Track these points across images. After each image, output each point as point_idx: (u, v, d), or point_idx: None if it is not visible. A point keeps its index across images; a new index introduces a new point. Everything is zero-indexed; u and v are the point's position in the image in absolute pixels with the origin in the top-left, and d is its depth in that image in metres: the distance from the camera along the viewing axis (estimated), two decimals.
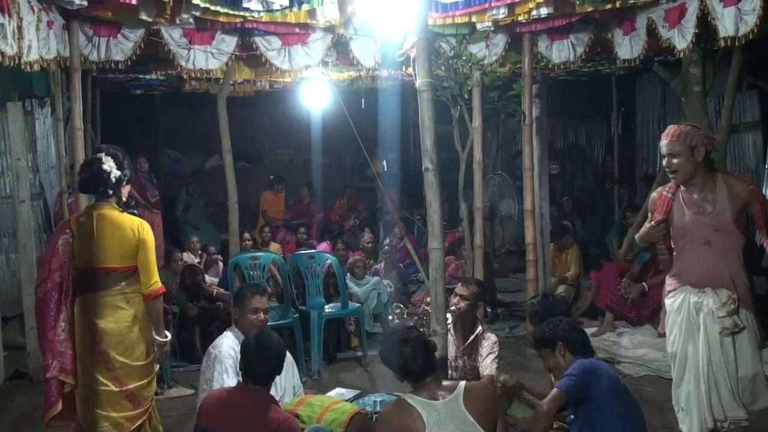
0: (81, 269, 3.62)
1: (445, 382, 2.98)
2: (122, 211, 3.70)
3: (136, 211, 7.64)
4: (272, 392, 4.19)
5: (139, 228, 3.64)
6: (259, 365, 3.29)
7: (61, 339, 3.61)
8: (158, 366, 3.89)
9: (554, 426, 3.38)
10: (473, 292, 4.32)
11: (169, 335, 3.86)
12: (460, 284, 4.44)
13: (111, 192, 3.67)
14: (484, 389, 3.09)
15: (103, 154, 3.67)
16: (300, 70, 6.18)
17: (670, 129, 3.48)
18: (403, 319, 4.29)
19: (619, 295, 6.74)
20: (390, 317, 4.48)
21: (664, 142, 3.47)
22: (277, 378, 4.22)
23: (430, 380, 2.97)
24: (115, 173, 3.67)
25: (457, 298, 4.31)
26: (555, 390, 3.21)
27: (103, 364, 3.58)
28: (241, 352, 3.39)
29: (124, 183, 3.74)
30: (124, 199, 3.77)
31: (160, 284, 3.69)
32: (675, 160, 3.42)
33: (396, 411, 2.93)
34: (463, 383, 2.99)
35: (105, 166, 3.64)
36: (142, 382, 3.67)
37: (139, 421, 3.66)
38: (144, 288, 3.64)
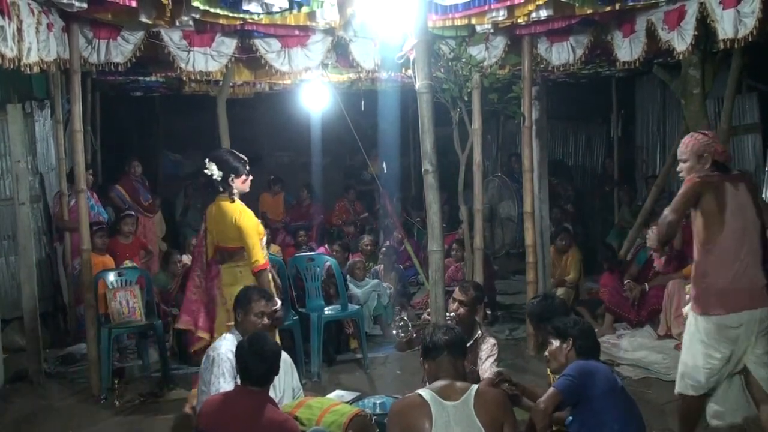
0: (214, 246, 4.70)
1: (458, 384, 2.96)
2: (233, 201, 4.58)
3: (132, 213, 7.72)
4: (271, 394, 4.20)
5: (239, 216, 4.53)
6: (255, 367, 3.30)
7: (193, 299, 4.73)
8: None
9: (554, 429, 3.37)
10: (471, 297, 4.28)
11: (279, 303, 4.47)
12: (457, 289, 4.36)
13: (222, 189, 4.57)
14: (495, 397, 3.06)
15: (207, 161, 4.57)
16: (300, 72, 6.17)
17: (684, 138, 3.90)
18: (408, 332, 4.26)
19: (619, 297, 6.74)
20: (394, 332, 4.47)
21: (678, 150, 3.90)
22: (277, 380, 4.22)
23: (447, 377, 2.95)
24: (218, 174, 4.54)
25: (456, 303, 4.28)
26: (551, 389, 3.22)
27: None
28: (236, 355, 3.41)
29: (232, 177, 4.57)
30: (235, 189, 4.59)
31: (262, 261, 4.51)
32: (682, 165, 3.84)
33: (409, 405, 2.92)
34: (475, 387, 2.96)
35: (208, 171, 4.55)
36: None
37: None
38: (250, 264, 4.51)
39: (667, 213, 3.59)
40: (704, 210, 3.60)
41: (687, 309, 3.89)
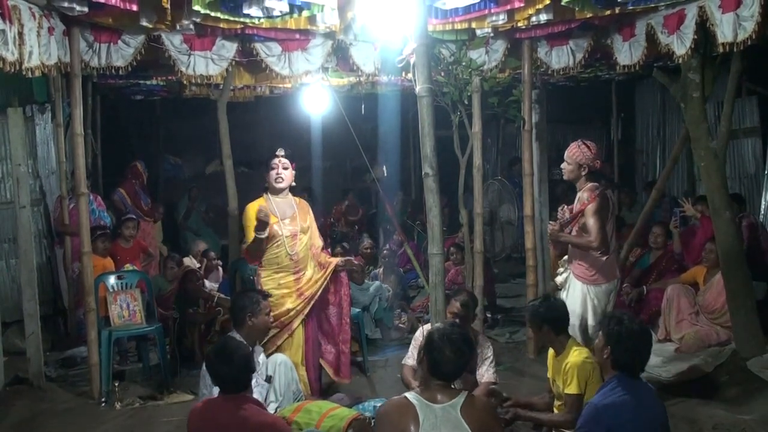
0: None
1: (449, 389, 2.96)
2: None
3: (133, 216, 7.72)
4: (271, 398, 4.21)
5: None
6: (225, 375, 3.22)
7: None
8: None
9: None
10: (465, 307, 4.45)
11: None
12: (452, 300, 4.53)
13: None
14: (485, 404, 3.06)
15: None
16: (300, 75, 6.17)
17: (572, 144, 4.73)
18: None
19: (620, 300, 6.72)
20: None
21: (566, 152, 4.69)
22: (277, 383, 4.24)
23: (441, 384, 2.94)
24: None
25: (450, 315, 4.39)
26: None
27: None
28: (207, 367, 3.34)
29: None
30: (267, 184, 5.02)
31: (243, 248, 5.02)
32: (566, 167, 4.70)
33: (396, 407, 2.92)
34: (465, 393, 2.97)
35: None
36: None
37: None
38: None
39: (596, 239, 4.37)
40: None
41: (560, 279, 4.92)
